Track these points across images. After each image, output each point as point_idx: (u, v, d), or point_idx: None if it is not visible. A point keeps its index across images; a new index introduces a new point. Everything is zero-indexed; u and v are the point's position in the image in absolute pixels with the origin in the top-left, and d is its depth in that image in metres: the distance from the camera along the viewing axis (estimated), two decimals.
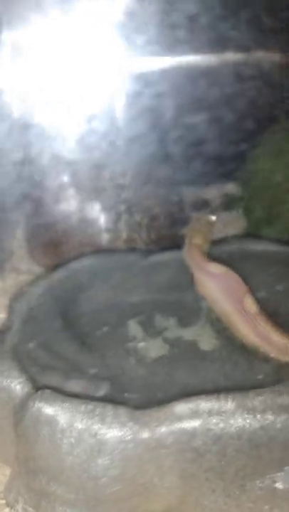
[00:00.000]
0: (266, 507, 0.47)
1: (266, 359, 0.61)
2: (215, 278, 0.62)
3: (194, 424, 0.45)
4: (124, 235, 0.89)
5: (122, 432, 0.44)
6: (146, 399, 0.57)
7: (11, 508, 0.52)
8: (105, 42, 0.92)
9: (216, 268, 0.62)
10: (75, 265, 0.73)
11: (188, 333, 0.68)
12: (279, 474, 0.47)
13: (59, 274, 0.71)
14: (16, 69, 0.91)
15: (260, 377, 0.59)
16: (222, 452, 0.45)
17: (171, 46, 0.98)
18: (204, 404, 0.45)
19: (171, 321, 0.70)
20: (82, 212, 0.90)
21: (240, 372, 0.61)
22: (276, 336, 0.59)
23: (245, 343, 0.62)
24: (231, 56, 1.05)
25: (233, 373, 0.61)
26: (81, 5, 0.87)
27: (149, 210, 0.92)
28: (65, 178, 0.91)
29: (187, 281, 0.70)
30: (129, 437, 0.44)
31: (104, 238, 0.90)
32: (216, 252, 0.74)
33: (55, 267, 0.77)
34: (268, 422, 0.45)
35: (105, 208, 0.89)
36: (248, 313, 0.60)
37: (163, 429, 0.44)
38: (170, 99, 1.03)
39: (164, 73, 1.02)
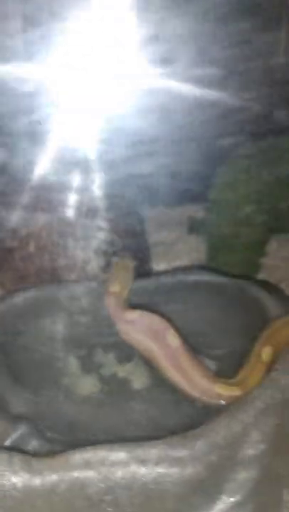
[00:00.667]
0: None
1: (193, 401, 0.62)
2: (133, 323, 0.63)
3: (87, 473, 0.45)
4: (79, 262, 0.90)
5: (15, 480, 0.45)
6: (67, 439, 0.58)
7: None
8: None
9: (131, 314, 0.63)
10: (18, 297, 0.75)
11: (122, 371, 0.69)
12: None
13: (0, 306, 0.72)
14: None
15: (184, 420, 0.59)
16: (115, 502, 0.46)
17: None
18: (98, 454, 0.46)
19: (110, 357, 0.71)
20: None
21: (165, 414, 0.62)
22: (199, 377, 0.59)
23: (173, 384, 0.63)
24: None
25: (157, 415, 0.62)
26: None
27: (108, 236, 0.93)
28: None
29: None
30: (20, 484, 0.45)
31: (61, 265, 0.91)
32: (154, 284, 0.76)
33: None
34: (160, 473, 0.46)
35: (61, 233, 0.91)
36: (170, 348, 0.60)
37: (54, 477, 0.45)
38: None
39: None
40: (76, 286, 0.79)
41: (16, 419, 0.58)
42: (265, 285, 0.74)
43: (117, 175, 0.98)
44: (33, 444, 0.55)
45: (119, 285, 0.68)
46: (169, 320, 0.63)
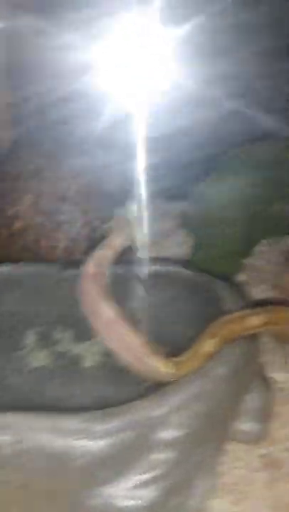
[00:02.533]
0: None
1: (140, 381, 0.62)
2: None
3: (1, 437, 0.47)
4: (62, 244, 0.92)
5: None
6: (7, 403, 0.60)
7: None
8: None
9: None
10: None
11: (77, 348, 0.70)
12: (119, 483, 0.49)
13: None
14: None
15: (122, 397, 0.60)
16: (22, 467, 0.47)
17: None
18: (15, 419, 0.48)
19: (67, 335, 0.72)
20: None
21: (109, 392, 0.63)
22: (136, 347, 0.59)
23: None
24: None
25: (101, 393, 0.63)
26: None
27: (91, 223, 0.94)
28: None
29: None
30: None
31: (45, 246, 0.93)
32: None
33: None
34: (69, 444, 0.47)
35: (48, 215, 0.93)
36: (104, 319, 0.61)
37: None
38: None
39: None
40: (47, 266, 0.81)
41: None
42: (231, 284, 0.74)
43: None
44: None
45: (118, 236, 0.68)
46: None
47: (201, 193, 0.95)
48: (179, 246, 1.08)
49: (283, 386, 0.72)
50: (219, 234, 0.93)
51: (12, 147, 1.15)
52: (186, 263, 0.95)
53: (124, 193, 1.08)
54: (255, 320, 0.59)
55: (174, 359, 0.58)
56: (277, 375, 0.74)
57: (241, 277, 1.00)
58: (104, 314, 0.60)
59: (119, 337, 0.60)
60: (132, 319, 0.62)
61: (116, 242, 0.69)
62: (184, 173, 1.07)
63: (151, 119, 1.02)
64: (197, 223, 0.97)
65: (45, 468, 0.47)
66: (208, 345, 0.58)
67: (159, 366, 0.57)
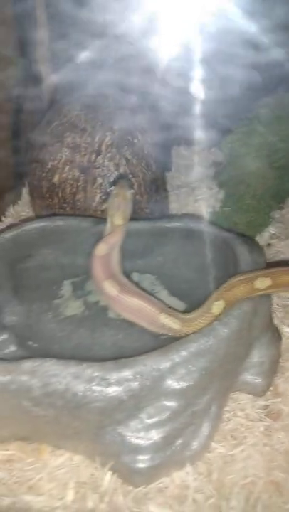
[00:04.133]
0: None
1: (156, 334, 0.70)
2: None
3: (32, 380, 0.56)
4: (97, 197, 0.98)
5: None
6: (41, 349, 0.70)
7: None
8: None
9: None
10: (30, 226, 0.85)
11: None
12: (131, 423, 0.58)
13: (12, 233, 0.83)
14: None
15: (142, 348, 0.68)
16: (52, 405, 0.57)
17: None
18: (44, 365, 0.57)
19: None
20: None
21: (128, 341, 0.71)
22: (146, 310, 0.66)
23: None
24: None
25: (121, 341, 0.72)
26: None
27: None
28: None
29: (127, 251, 0.79)
30: None
31: (79, 198, 0.99)
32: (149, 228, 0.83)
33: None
34: (88, 389, 0.55)
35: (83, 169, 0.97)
36: (111, 297, 0.68)
37: (8, 378, 0.57)
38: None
39: None
40: (82, 219, 0.88)
41: (2, 327, 0.71)
42: (249, 242, 0.78)
43: None
44: (11, 349, 0.68)
45: (120, 217, 0.74)
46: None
47: (230, 145, 0.96)
48: (213, 196, 1.11)
49: None
50: (248, 186, 0.95)
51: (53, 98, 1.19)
52: (214, 215, 0.99)
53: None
54: (259, 283, 0.64)
55: (183, 317, 0.65)
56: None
57: (271, 230, 1.03)
58: (108, 293, 0.68)
59: (127, 309, 0.68)
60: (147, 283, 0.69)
61: (120, 225, 0.75)
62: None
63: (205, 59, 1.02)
64: (226, 175, 1.00)
65: (70, 407, 0.56)
66: (215, 307, 0.64)
67: (169, 325, 0.64)
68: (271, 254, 0.99)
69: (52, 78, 1.19)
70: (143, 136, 1.02)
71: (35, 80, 1.23)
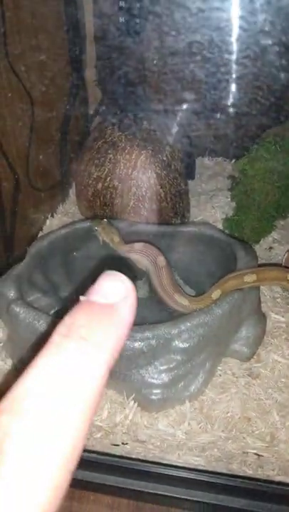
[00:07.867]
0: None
1: (171, 310, 0.94)
2: (133, 247, 0.96)
3: None
4: (131, 203, 1.23)
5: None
6: None
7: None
8: None
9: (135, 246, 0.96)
10: (80, 225, 1.10)
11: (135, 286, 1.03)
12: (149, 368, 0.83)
13: (67, 230, 1.08)
14: None
15: (156, 318, 0.92)
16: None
17: None
18: None
19: (130, 275, 1.05)
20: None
21: (149, 314, 0.96)
22: (169, 288, 0.91)
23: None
24: None
25: (146, 316, 0.96)
26: None
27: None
28: None
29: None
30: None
31: (117, 204, 1.24)
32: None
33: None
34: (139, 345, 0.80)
35: (121, 180, 1.22)
36: (158, 266, 0.92)
37: None
38: None
39: None
40: (119, 221, 1.12)
41: (60, 299, 0.96)
42: (247, 246, 1.01)
43: None
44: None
45: (116, 236, 1.00)
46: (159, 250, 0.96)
47: (241, 167, 1.18)
48: (228, 204, 1.35)
49: (279, 325, 1.00)
50: (254, 200, 1.17)
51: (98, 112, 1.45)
52: (227, 221, 1.22)
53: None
54: (247, 278, 0.87)
55: (191, 298, 0.89)
56: (276, 316, 1.02)
57: (274, 235, 1.26)
58: (159, 263, 0.93)
59: (159, 281, 0.92)
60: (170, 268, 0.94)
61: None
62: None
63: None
64: (237, 190, 1.22)
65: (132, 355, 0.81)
66: (214, 294, 0.88)
67: (181, 301, 0.88)
68: (272, 256, 1.22)
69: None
70: (172, 153, 1.26)
71: (85, 101, 1.49)
